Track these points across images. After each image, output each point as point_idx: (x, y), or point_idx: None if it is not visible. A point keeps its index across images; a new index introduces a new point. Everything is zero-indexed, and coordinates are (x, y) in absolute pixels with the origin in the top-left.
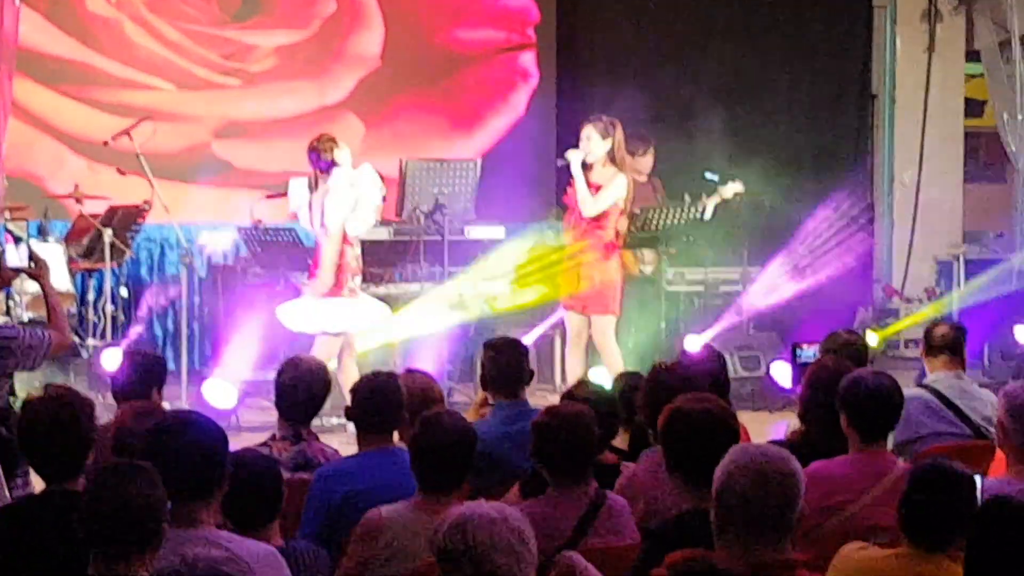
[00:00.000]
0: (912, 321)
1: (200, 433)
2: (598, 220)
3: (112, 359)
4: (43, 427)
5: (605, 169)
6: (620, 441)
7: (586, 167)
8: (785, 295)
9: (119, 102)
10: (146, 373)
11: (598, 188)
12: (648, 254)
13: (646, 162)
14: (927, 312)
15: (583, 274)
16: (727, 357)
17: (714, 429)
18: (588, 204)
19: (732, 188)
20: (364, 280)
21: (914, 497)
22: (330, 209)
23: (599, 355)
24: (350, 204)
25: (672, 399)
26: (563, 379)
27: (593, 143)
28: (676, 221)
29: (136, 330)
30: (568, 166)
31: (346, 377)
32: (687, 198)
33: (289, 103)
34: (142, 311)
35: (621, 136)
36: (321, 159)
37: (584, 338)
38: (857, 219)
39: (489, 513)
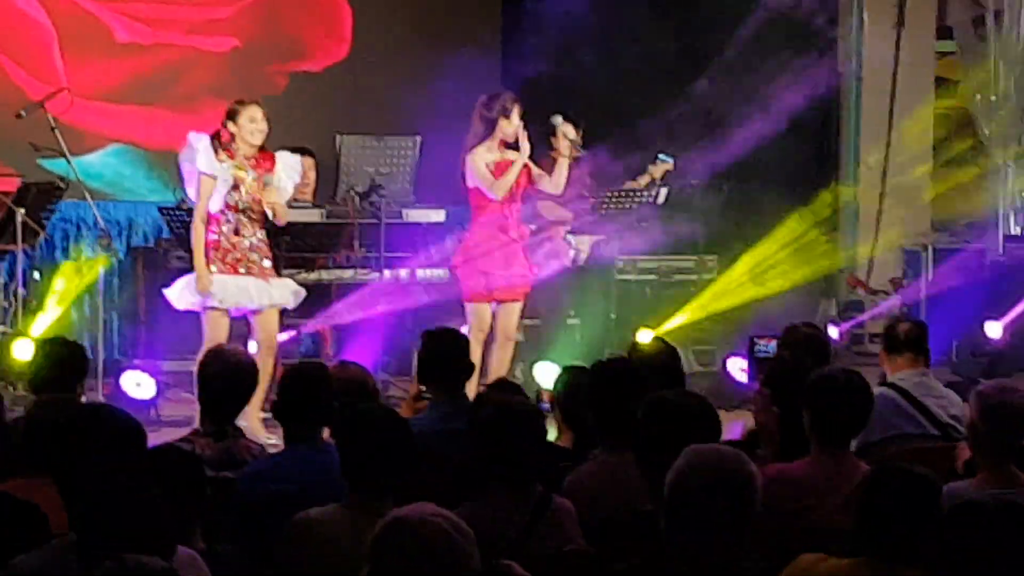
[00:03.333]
0: None
1: (115, 428)
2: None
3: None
4: None
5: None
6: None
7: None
8: None
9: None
10: (69, 365)
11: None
12: (585, 240)
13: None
14: None
15: (523, 260)
16: (680, 351)
17: (697, 422)
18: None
19: (661, 166)
20: (294, 266)
21: (870, 503)
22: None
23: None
24: None
25: (621, 396)
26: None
27: None
28: (629, 206)
29: None
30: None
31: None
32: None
33: None
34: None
35: None
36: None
37: None
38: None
39: (415, 519)
